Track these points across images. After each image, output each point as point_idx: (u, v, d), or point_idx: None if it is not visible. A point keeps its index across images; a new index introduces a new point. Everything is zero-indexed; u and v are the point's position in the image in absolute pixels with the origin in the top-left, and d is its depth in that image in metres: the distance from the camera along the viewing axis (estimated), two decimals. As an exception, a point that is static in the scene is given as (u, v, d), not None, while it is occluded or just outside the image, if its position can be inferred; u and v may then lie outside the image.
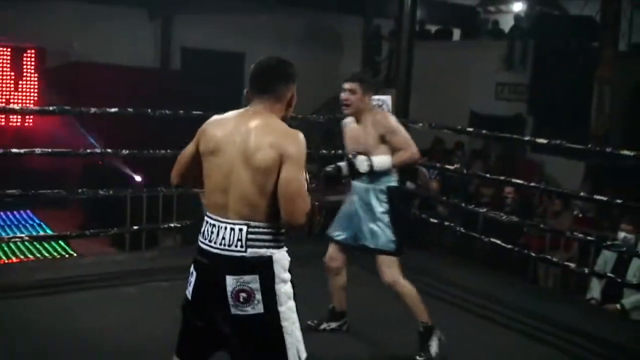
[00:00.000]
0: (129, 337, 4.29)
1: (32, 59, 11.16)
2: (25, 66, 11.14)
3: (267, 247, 2.55)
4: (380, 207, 4.14)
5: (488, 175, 5.96)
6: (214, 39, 13.98)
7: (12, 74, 11.07)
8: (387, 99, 6.44)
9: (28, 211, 10.16)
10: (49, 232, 8.74)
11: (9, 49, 11.10)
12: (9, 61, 11.04)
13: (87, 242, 8.24)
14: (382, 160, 4.07)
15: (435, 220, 6.04)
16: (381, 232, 4.13)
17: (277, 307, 2.54)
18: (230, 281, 2.51)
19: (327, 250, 4.40)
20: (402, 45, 7.24)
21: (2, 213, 9.95)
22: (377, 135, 4.10)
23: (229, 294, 2.51)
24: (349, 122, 4.30)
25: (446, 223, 5.96)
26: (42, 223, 9.78)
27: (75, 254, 8.24)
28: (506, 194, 7.58)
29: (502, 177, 5.81)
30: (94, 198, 7.32)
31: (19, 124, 11.08)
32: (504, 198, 7.66)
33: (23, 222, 9.87)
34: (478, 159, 10.24)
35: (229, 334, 2.56)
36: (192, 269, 2.65)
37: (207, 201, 2.63)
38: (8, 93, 10.99)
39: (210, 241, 2.57)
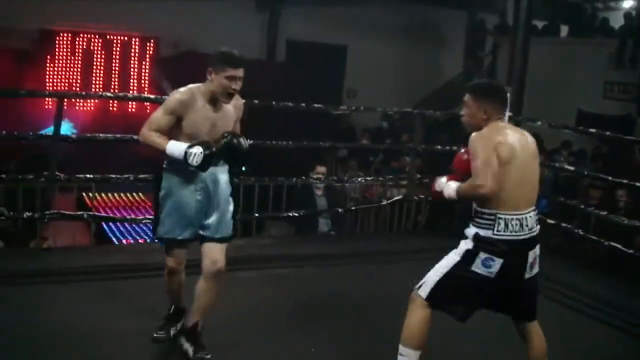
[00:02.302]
0: (248, 320, 4.42)
1: (152, 49, 11.71)
2: (146, 55, 11.73)
3: (538, 222, 3.36)
4: (228, 189, 3.80)
5: (610, 178, 5.80)
6: (318, 31, 14.15)
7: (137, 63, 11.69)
8: (504, 97, 6.43)
9: (140, 194, 10.56)
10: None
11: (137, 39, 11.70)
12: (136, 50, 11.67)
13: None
14: None
15: (553, 221, 6.00)
16: (230, 217, 3.80)
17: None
18: (531, 254, 3.29)
19: (171, 255, 3.77)
20: (518, 43, 7.21)
21: (115, 194, 10.35)
22: (234, 121, 3.78)
23: (528, 264, 3.29)
24: (192, 100, 3.60)
25: (562, 224, 5.92)
26: (153, 206, 10.13)
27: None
28: (618, 197, 7.40)
29: (625, 180, 5.69)
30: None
31: (132, 110, 11.64)
32: (616, 201, 7.49)
33: (136, 205, 10.27)
34: (591, 160, 10.03)
35: (518, 294, 3.35)
36: (489, 255, 3.22)
37: (502, 200, 3.20)
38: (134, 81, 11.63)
39: (517, 232, 3.23)
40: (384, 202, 7.42)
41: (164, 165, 3.69)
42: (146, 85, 12.02)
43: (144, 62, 12.03)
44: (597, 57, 12.76)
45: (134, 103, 11.75)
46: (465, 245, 3.29)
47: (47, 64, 11.86)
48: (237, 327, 4.28)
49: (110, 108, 11.80)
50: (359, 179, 7.42)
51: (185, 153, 3.49)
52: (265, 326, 4.36)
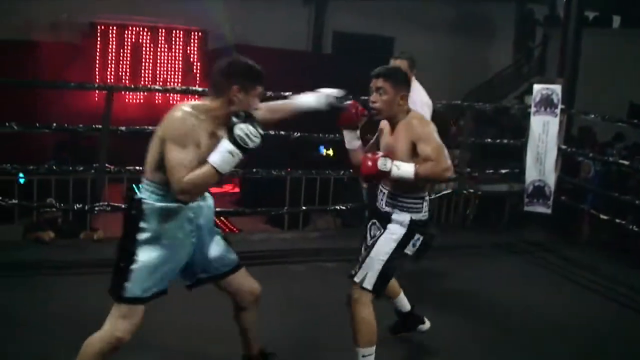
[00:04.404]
0: (297, 314, 4.43)
1: (197, 41, 11.82)
2: (191, 48, 11.85)
3: None
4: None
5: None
6: (365, 23, 14.07)
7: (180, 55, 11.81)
8: (556, 88, 6.32)
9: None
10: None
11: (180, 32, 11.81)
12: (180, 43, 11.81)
13: (243, 218, 8.58)
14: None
15: (606, 217, 5.87)
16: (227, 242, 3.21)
17: None
18: None
19: (132, 318, 2.92)
20: (569, 34, 7.05)
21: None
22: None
23: None
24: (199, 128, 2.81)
25: (617, 220, 5.78)
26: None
27: (235, 230, 8.57)
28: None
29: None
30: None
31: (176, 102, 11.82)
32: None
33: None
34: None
35: None
36: (419, 235, 3.42)
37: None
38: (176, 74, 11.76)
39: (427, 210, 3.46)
40: (432, 196, 7.33)
41: (145, 199, 2.87)
42: (198, 78, 12.15)
43: (192, 55, 12.17)
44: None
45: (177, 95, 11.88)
46: (400, 230, 3.40)
47: (97, 57, 12.01)
48: (288, 320, 4.29)
49: (156, 101, 11.90)
50: (407, 172, 7.35)
51: (235, 141, 2.72)
52: (314, 319, 4.36)
